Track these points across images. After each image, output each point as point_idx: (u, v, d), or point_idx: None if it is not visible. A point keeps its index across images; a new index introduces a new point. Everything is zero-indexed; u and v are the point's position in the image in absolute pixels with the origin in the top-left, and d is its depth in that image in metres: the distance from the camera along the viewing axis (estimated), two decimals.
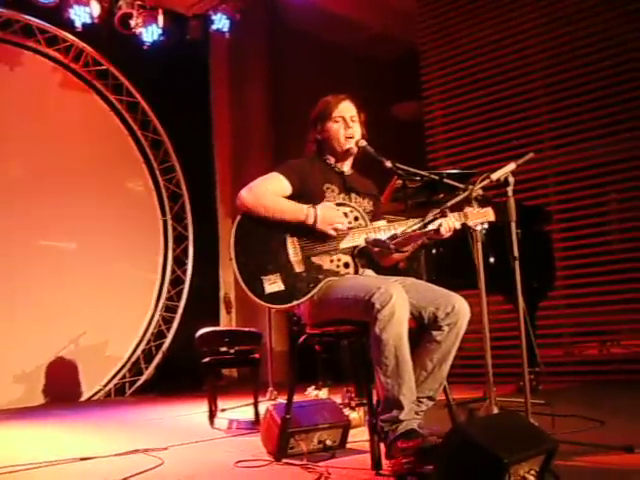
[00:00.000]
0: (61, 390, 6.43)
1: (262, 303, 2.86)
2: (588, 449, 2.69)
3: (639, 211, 5.96)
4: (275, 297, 2.85)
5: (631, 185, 5.96)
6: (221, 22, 7.46)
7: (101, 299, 6.72)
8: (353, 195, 3.08)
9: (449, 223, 2.90)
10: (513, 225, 2.94)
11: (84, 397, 6.57)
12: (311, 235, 2.91)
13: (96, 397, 6.68)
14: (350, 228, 2.95)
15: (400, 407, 2.56)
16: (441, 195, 4.23)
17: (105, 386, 6.77)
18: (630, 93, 5.94)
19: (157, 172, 7.55)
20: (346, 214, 2.99)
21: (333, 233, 2.90)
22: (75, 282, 6.62)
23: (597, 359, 6.15)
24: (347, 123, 3.07)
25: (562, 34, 6.37)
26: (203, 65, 8.07)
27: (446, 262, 4.58)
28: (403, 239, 2.90)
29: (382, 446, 2.60)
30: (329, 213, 2.91)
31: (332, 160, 3.12)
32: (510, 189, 2.95)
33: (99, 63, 7.16)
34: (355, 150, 3.08)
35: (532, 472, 2.14)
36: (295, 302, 2.86)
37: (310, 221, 2.88)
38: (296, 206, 2.92)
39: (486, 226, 3.06)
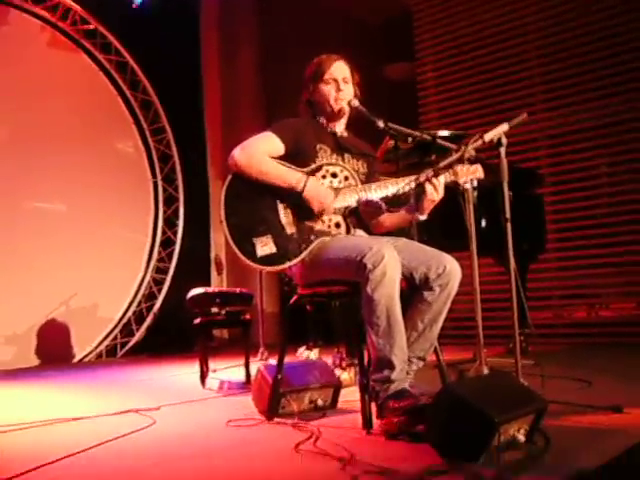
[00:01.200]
0: (52, 352, 6.44)
1: (254, 265, 2.86)
2: (577, 409, 2.72)
3: (628, 175, 5.97)
4: (267, 259, 2.84)
5: (621, 149, 5.95)
6: None
7: (91, 261, 6.70)
8: (346, 155, 3.06)
9: (439, 180, 2.89)
10: (505, 186, 2.93)
11: (76, 359, 6.59)
12: (301, 198, 2.89)
13: (87, 358, 6.70)
14: (339, 189, 2.94)
15: (392, 367, 2.58)
16: (433, 156, 4.21)
17: (96, 347, 6.78)
18: (624, 55, 5.91)
19: (147, 133, 7.49)
20: (336, 174, 2.97)
21: (315, 209, 2.87)
22: (65, 244, 6.59)
23: (585, 322, 6.20)
24: (339, 85, 3.03)
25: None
26: (193, 25, 7.97)
27: (437, 224, 4.57)
28: (395, 199, 2.91)
29: (373, 406, 2.62)
30: (318, 190, 2.87)
31: (324, 121, 3.10)
32: (503, 150, 2.94)
33: (87, 22, 7.05)
34: (347, 110, 3.05)
35: (522, 431, 2.17)
36: (287, 264, 2.85)
37: (299, 188, 2.86)
38: (288, 171, 2.90)
39: (475, 184, 3.05)
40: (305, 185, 2.85)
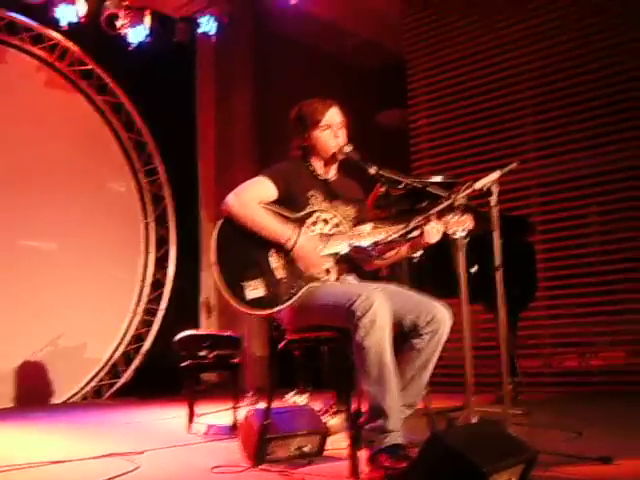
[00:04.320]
0: (37, 392, 6.36)
1: (243, 309, 2.84)
2: (567, 460, 2.69)
3: (620, 224, 5.99)
4: (256, 303, 2.83)
5: (612, 198, 5.99)
6: (208, 25, 7.43)
7: (80, 301, 6.66)
8: (337, 202, 3.07)
9: (431, 230, 2.90)
10: (496, 234, 2.94)
11: (60, 400, 6.50)
12: None
13: (72, 400, 6.61)
14: (330, 235, 2.95)
15: (385, 416, 2.54)
16: (425, 203, 4.22)
17: (82, 389, 6.69)
18: (620, 104, 5.97)
19: (140, 174, 7.51)
20: (327, 220, 2.99)
21: (302, 268, 2.86)
22: (54, 283, 6.55)
23: (575, 370, 6.17)
24: (335, 132, 3.05)
25: (549, 45, 6.40)
26: (189, 68, 8.04)
27: (428, 270, 4.58)
28: (385, 246, 2.91)
29: (361, 454, 2.58)
30: (307, 249, 2.87)
31: (317, 167, 3.10)
32: (494, 198, 2.96)
33: (84, 63, 7.11)
34: (340, 157, 3.07)
35: None
36: (276, 308, 2.84)
37: (289, 246, 2.85)
38: (279, 228, 2.89)
39: (464, 234, 3.06)
40: (295, 244, 2.85)
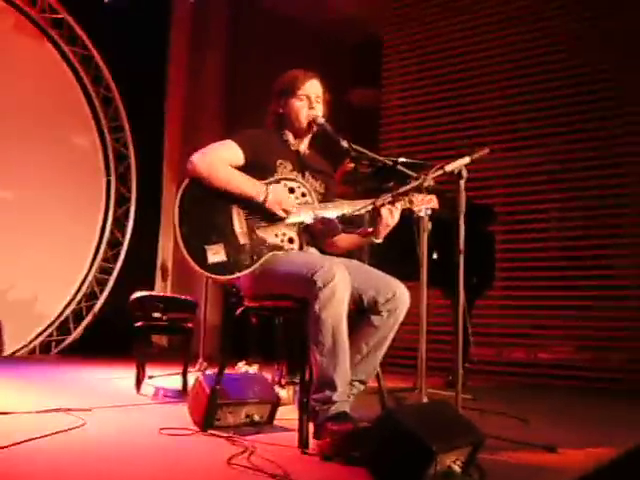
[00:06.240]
0: None
1: (204, 273, 2.82)
2: (513, 446, 2.73)
3: (578, 221, 6.08)
4: (217, 267, 2.81)
5: (573, 195, 6.06)
6: None
7: (33, 255, 6.51)
8: (306, 174, 3.06)
9: (391, 212, 2.90)
10: (462, 218, 2.95)
11: (6, 353, 6.39)
12: (258, 209, 2.87)
13: (19, 354, 6.51)
14: (298, 204, 2.93)
15: (333, 388, 2.56)
16: (392, 183, 4.22)
17: (30, 343, 6.59)
18: (587, 103, 6.03)
19: (105, 130, 7.37)
20: (293, 189, 2.97)
21: (282, 214, 2.87)
22: (7, 234, 6.40)
23: (524, 362, 6.27)
24: (311, 103, 3.03)
25: (522, 38, 6.43)
26: (164, 27, 7.87)
27: (389, 251, 4.58)
28: (350, 220, 2.91)
29: (310, 426, 2.59)
30: (280, 195, 2.87)
31: (289, 136, 3.08)
32: (463, 182, 2.97)
33: (56, 11, 6.92)
34: (314, 128, 3.05)
35: (458, 462, 2.16)
36: (237, 274, 2.82)
37: (260, 198, 2.84)
38: (248, 181, 2.87)
39: (429, 212, 3.08)
40: (267, 195, 2.83)
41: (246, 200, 2.86)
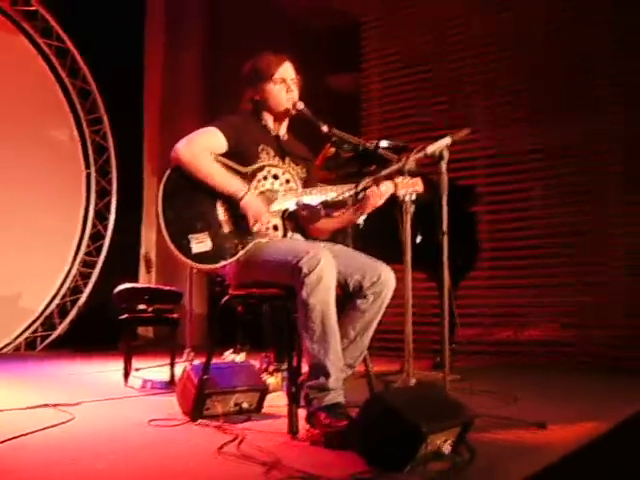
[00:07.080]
0: None
1: (189, 262, 2.80)
2: (502, 424, 2.74)
3: (561, 198, 6.10)
4: (202, 257, 2.79)
5: (554, 173, 6.08)
6: None
7: (16, 250, 6.46)
8: (287, 159, 3.04)
9: (380, 189, 2.90)
10: (444, 199, 2.94)
11: None
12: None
13: (4, 351, 6.46)
14: (279, 191, 2.93)
15: (327, 373, 2.55)
16: (373, 167, 4.22)
17: (15, 340, 6.55)
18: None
19: (83, 123, 7.30)
20: (277, 175, 2.96)
21: (250, 221, 2.82)
22: None
23: (511, 341, 6.30)
24: (289, 86, 3.01)
25: (499, 10, 6.41)
26: (139, 16, 7.80)
27: (372, 235, 4.58)
28: (332, 207, 2.91)
29: (300, 412, 2.59)
30: (256, 203, 2.84)
31: (268, 122, 3.07)
32: (444, 164, 2.96)
33: (29, 3, 6.83)
34: (293, 112, 3.03)
35: (448, 443, 2.17)
36: (222, 263, 2.81)
37: (237, 197, 2.81)
38: (230, 179, 2.85)
39: (414, 197, 3.07)
40: (243, 197, 2.81)
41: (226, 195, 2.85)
